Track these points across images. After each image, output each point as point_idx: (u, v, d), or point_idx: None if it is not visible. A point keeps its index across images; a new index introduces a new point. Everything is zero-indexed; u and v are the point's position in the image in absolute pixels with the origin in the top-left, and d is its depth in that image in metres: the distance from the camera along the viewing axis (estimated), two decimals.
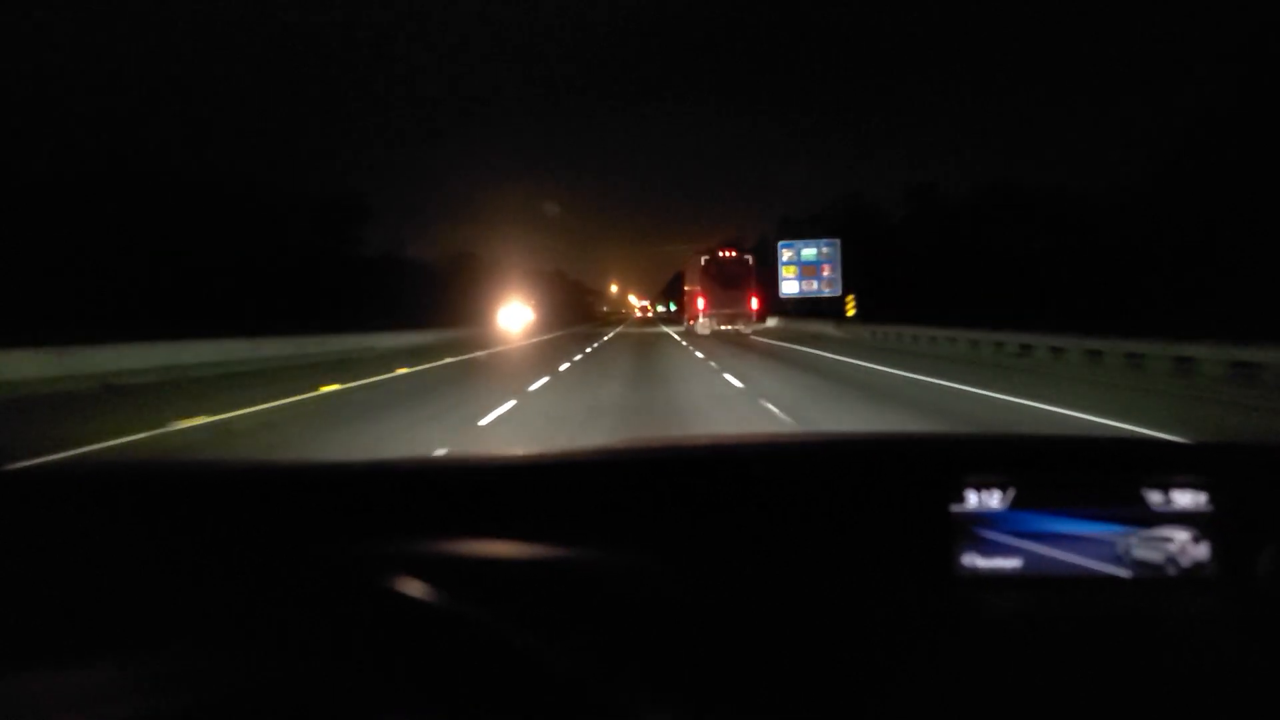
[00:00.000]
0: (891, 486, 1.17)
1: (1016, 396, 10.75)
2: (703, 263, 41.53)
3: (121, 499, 1.07)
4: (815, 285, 47.70)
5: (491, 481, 1.19)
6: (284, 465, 1.34)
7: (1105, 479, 1.15)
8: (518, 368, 18.61)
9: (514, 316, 52.57)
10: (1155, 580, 1.10)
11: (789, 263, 47.95)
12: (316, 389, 12.63)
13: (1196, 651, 0.97)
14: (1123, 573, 1.10)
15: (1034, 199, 39.43)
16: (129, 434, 8.01)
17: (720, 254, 41.90)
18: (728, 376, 13.97)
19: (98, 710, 0.56)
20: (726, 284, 39.50)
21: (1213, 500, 1.12)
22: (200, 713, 0.56)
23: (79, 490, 1.11)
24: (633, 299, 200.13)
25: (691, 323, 42.20)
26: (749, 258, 41.87)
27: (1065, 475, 1.17)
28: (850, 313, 39.24)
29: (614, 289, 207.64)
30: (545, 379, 13.98)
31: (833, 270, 47.31)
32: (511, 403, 10.28)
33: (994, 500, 1.13)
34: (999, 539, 1.12)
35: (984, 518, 1.13)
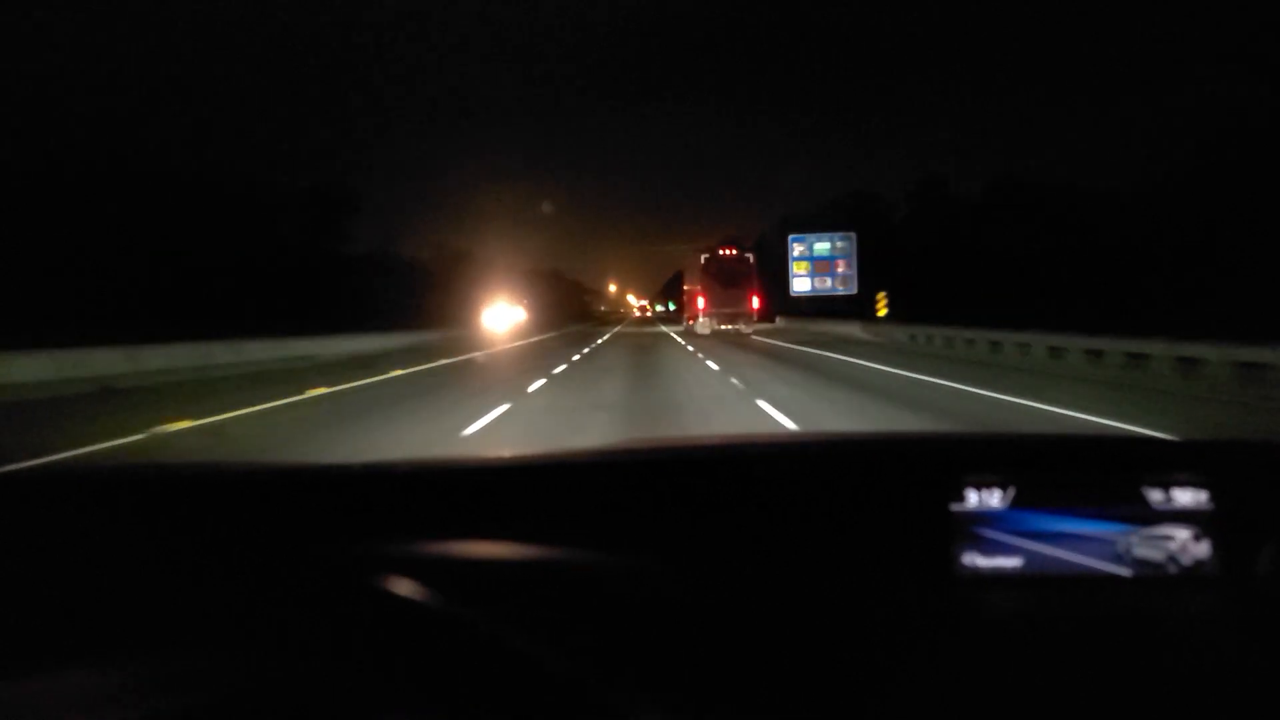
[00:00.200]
0: (892, 486, 1.17)
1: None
2: (703, 261, 40.38)
3: (121, 500, 1.07)
4: (829, 283, 43.87)
5: (491, 482, 1.19)
6: (284, 466, 1.35)
7: (1106, 477, 1.15)
8: (479, 384, 14.42)
9: (500, 317, 49.34)
10: (1156, 579, 1.10)
11: (800, 258, 44.17)
12: (147, 429, 8.40)
13: (1198, 650, 0.97)
14: (1123, 571, 1.10)
15: (1044, 196, 38.05)
16: None
17: (721, 252, 40.51)
18: (764, 405, 9.79)
19: (99, 711, 0.56)
20: (727, 283, 38.46)
21: (1213, 498, 1.12)
22: (200, 713, 0.56)
23: (78, 492, 1.11)
24: (631, 299, 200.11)
25: (691, 322, 41.45)
26: (750, 256, 40.42)
27: (1066, 474, 1.17)
28: (881, 312, 35.03)
29: (612, 288, 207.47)
30: (504, 407, 9.86)
31: (848, 266, 43.52)
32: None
33: (994, 499, 1.13)
34: (999, 538, 1.12)
35: (984, 517, 1.13)
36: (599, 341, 31.50)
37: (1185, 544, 1.10)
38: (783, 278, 44.76)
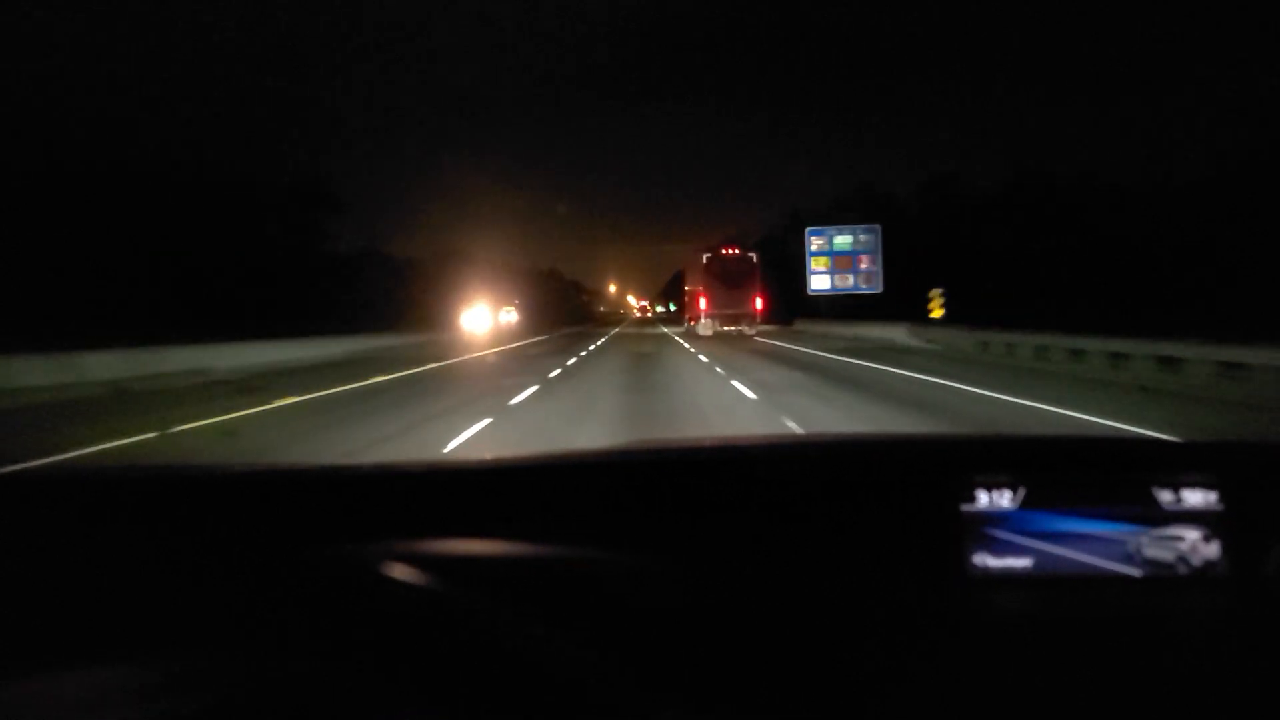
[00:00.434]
0: (902, 487, 1.17)
1: None
2: (705, 260, 38.49)
3: (122, 502, 1.07)
4: (851, 280, 38.09)
5: (494, 482, 1.19)
6: (285, 468, 1.35)
7: (1115, 478, 1.15)
8: (391, 424, 8.66)
9: (482, 319, 44.95)
10: (1166, 579, 1.10)
11: (819, 253, 38.63)
12: None
13: (1208, 650, 0.97)
14: (1133, 572, 1.10)
15: (1082, 193, 34.56)
16: None
17: (723, 251, 38.58)
18: None
19: (99, 711, 0.55)
20: (730, 283, 36.91)
21: (1223, 499, 1.12)
22: (201, 713, 0.55)
23: (79, 493, 1.10)
24: (631, 299, 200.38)
25: (692, 323, 40.54)
26: (753, 255, 38.45)
27: (1075, 475, 1.16)
28: (936, 313, 27.26)
29: (612, 289, 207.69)
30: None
31: (872, 262, 37.83)
32: None
33: (1004, 500, 1.13)
34: (1010, 538, 1.12)
35: (995, 517, 1.12)
36: (591, 348, 25.77)
37: (1195, 544, 1.10)
38: (790, 277, 41.11)
